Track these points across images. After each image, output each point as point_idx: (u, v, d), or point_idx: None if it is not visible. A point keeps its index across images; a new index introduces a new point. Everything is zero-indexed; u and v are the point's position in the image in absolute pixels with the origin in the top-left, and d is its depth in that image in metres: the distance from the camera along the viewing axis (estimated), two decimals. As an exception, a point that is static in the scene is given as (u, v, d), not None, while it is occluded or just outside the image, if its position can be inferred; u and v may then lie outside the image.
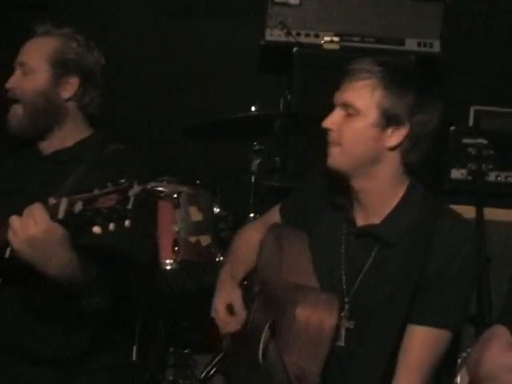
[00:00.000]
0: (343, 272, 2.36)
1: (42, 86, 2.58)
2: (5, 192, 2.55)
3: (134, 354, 2.96)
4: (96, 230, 1.90)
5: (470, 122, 4.11)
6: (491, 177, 3.78)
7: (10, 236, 2.04)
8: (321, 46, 4.28)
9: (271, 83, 4.60)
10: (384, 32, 4.30)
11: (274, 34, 4.29)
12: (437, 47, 4.31)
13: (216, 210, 3.68)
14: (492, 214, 3.62)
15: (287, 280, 2.36)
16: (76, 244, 2.12)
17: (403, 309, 2.20)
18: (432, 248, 2.20)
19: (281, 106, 4.33)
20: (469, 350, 2.60)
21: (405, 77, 2.25)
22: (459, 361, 2.72)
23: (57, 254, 2.07)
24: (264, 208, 2.89)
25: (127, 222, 1.87)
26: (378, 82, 2.22)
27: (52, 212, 2.00)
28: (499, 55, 4.56)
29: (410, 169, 2.32)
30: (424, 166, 2.31)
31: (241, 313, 2.52)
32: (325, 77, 4.06)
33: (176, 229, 3.51)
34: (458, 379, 2.68)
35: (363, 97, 2.23)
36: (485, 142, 3.70)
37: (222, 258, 3.52)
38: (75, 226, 1.98)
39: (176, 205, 3.47)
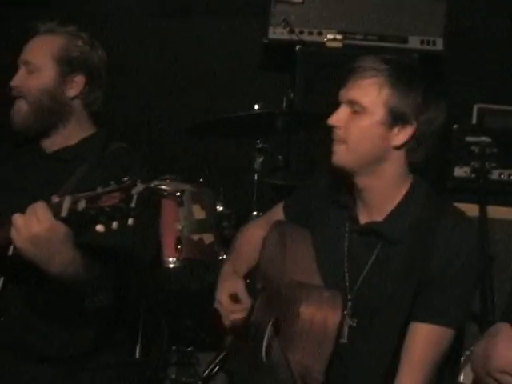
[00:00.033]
0: (346, 269, 2.36)
1: (47, 85, 2.58)
2: (8, 190, 2.55)
3: (137, 352, 2.95)
4: (99, 228, 1.90)
5: (474, 120, 4.10)
6: (494, 175, 3.77)
7: (13, 234, 2.04)
8: (324, 43, 4.28)
9: (274, 81, 4.60)
10: (387, 30, 4.30)
11: (276, 32, 4.29)
12: (440, 45, 4.30)
13: (219, 208, 3.68)
14: (495, 212, 3.62)
15: (290, 278, 2.36)
16: (79, 242, 2.12)
17: (406, 306, 2.21)
18: (435, 246, 2.20)
19: (284, 104, 4.32)
20: (472, 348, 2.60)
21: (412, 75, 2.25)
22: (462, 359, 2.72)
23: (60, 252, 2.07)
24: (267, 206, 2.89)
25: (130, 221, 1.87)
26: (385, 80, 2.22)
27: (55, 210, 2.00)
28: (502, 53, 4.55)
29: (414, 167, 2.31)
30: (427, 163, 2.31)
31: (246, 300, 2.51)
32: (328, 75, 4.06)
33: (179, 227, 3.51)
34: (462, 377, 2.68)
35: (370, 94, 2.22)
36: (488, 140, 3.69)
37: (224, 256, 3.52)
38: (78, 224, 1.98)
39: (179, 203, 3.47)
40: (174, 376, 3.84)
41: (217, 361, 3.56)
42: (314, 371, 2.19)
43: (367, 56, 2.28)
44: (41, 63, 2.59)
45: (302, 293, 2.25)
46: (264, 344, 2.37)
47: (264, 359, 2.36)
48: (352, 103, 2.25)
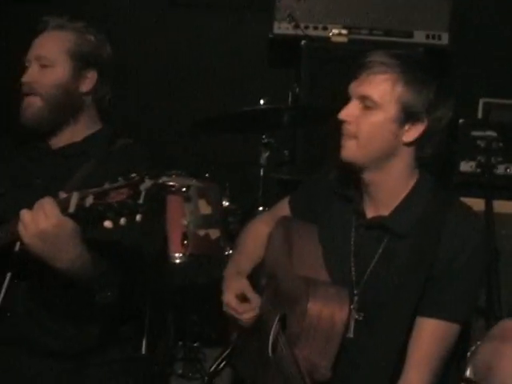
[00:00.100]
0: (353, 264, 2.36)
1: (62, 80, 2.57)
2: (15, 186, 2.54)
3: (144, 348, 2.96)
4: (107, 224, 1.90)
5: (479, 115, 4.10)
6: (500, 169, 3.77)
7: (21, 230, 2.03)
8: (329, 38, 4.29)
9: (279, 76, 4.61)
10: (392, 24, 4.30)
11: (282, 27, 4.30)
12: (445, 39, 4.31)
13: (225, 203, 3.69)
14: (501, 206, 3.62)
15: (297, 273, 2.36)
16: (86, 238, 2.11)
17: (412, 300, 2.20)
18: (441, 240, 2.20)
19: (289, 99, 4.33)
20: (478, 342, 2.60)
21: (425, 73, 2.24)
22: (469, 353, 2.71)
23: (67, 248, 2.07)
24: (273, 201, 2.89)
25: (138, 217, 1.87)
26: (398, 76, 2.21)
27: (63, 206, 1.99)
28: (508, 47, 4.55)
29: (420, 162, 2.31)
30: (433, 158, 2.31)
31: (255, 299, 2.49)
32: (333, 69, 4.07)
33: (185, 222, 3.51)
34: (468, 372, 2.68)
35: (383, 90, 2.21)
36: (494, 134, 3.70)
37: (231, 252, 3.52)
38: (86, 220, 1.97)
39: (185, 198, 3.48)
40: (180, 371, 3.85)
41: (223, 356, 3.56)
42: (321, 367, 2.19)
43: (378, 51, 2.27)
44: (55, 58, 2.57)
45: (308, 289, 2.24)
46: (270, 340, 2.37)
47: (270, 355, 2.36)
48: (363, 98, 2.24)
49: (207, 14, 4.72)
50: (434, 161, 2.32)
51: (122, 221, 1.88)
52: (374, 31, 4.30)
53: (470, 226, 2.24)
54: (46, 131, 2.60)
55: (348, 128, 2.27)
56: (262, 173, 3.72)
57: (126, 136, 2.65)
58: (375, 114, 2.23)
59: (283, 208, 2.67)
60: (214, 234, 3.59)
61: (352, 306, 2.29)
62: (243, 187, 3.81)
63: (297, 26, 4.23)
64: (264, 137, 3.73)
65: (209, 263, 3.61)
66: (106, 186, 1.90)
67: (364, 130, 2.24)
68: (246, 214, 3.60)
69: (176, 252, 3.48)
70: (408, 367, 2.22)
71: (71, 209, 1.97)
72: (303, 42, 4.21)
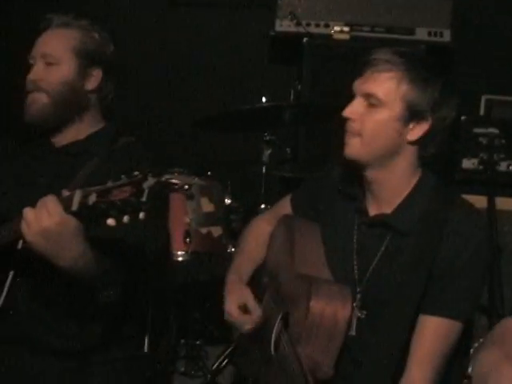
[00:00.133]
0: (355, 262, 2.36)
1: (68, 77, 2.56)
2: (18, 184, 2.54)
3: (146, 346, 2.95)
4: (110, 222, 1.89)
5: (481, 112, 4.10)
6: (503, 166, 3.77)
7: (24, 228, 2.03)
8: (331, 36, 4.28)
9: (281, 74, 4.61)
10: (394, 21, 4.30)
11: (283, 25, 4.30)
12: (447, 36, 4.30)
13: (227, 200, 3.69)
14: (503, 203, 3.62)
15: (299, 272, 2.36)
16: (89, 236, 2.11)
17: (415, 298, 2.20)
18: (443, 238, 2.20)
19: (291, 96, 4.33)
20: (481, 340, 2.60)
21: (430, 71, 2.23)
22: (471, 351, 2.71)
23: (70, 246, 2.06)
24: (275, 198, 2.89)
25: (141, 215, 1.86)
26: (403, 74, 2.21)
27: (66, 204, 1.99)
28: (510, 44, 4.55)
29: (423, 160, 2.31)
30: (435, 155, 2.31)
31: (256, 311, 2.48)
32: (335, 67, 4.07)
33: (187, 220, 3.52)
34: (471, 369, 2.68)
35: (388, 88, 2.21)
36: (496, 131, 3.69)
37: (233, 249, 3.53)
38: (89, 218, 1.97)
39: (188, 196, 3.48)
40: (182, 369, 3.85)
41: (225, 354, 3.57)
42: (324, 365, 2.19)
43: (382, 48, 2.27)
44: (61, 55, 2.57)
45: (311, 287, 2.24)
46: (273, 338, 2.37)
47: (273, 353, 2.36)
48: (368, 96, 2.24)
49: (207, 13, 4.72)
50: (436, 158, 2.32)
51: (125, 219, 1.88)
52: (375, 28, 4.29)
53: (473, 224, 2.23)
54: (51, 128, 2.59)
55: (352, 125, 2.26)
56: (264, 170, 3.72)
57: (127, 135, 2.65)
58: (380, 112, 2.22)
59: (285, 206, 2.67)
60: (217, 231, 3.59)
61: (354, 304, 2.29)
62: (245, 185, 3.81)
63: (299, 24, 4.22)
64: (266, 134, 3.74)
65: (211, 261, 3.61)
66: (109, 184, 1.90)
67: (368, 127, 2.23)
68: (249, 212, 3.60)
69: (178, 250, 3.48)
70: (410, 365, 2.21)
71: (74, 207, 1.97)
72: (305, 40, 4.21)
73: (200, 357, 3.88)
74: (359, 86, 2.27)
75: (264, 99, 3.61)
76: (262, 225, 2.70)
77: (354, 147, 2.26)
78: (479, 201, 3.34)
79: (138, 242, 2.32)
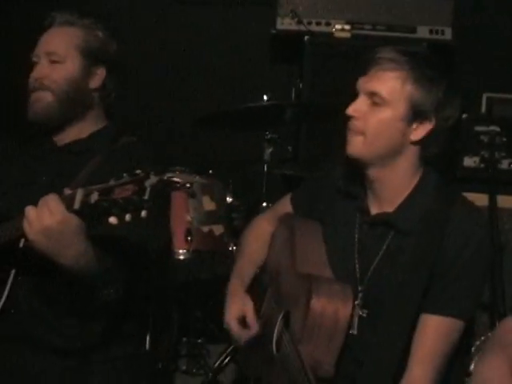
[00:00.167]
0: (357, 261, 2.36)
1: (73, 75, 2.56)
2: (20, 182, 2.54)
3: (147, 344, 2.96)
4: (112, 220, 1.90)
5: (483, 110, 4.10)
6: (504, 164, 3.76)
7: (25, 226, 2.03)
8: (332, 34, 4.28)
9: (282, 72, 4.61)
10: (395, 20, 4.29)
11: (284, 23, 4.29)
12: (448, 34, 4.30)
13: (229, 199, 3.70)
14: (505, 201, 3.61)
15: (300, 271, 2.36)
16: (91, 235, 2.11)
17: (416, 297, 2.20)
18: (445, 236, 2.20)
19: (292, 95, 4.33)
20: (482, 338, 2.60)
21: (434, 71, 2.23)
22: (473, 349, 2.72)
23: (72, 244, 2.06)
24: (276, 197, 2.89)
25: (143, 213, 1.86)
26: (408, 74, 2.20)
27: (68, 202, 1.99)
28: (511, 42, 4.54)
29: (425, 161, 2.31)
30: (436, 154, 2.31)
31: (254, 326, 2.49)
32: (336, 65, 4.07)
33: (189, 218, 3.52)
34: (472, 367, 2.68)
35: (392, 88, 2.21)
36: (497, 129, 3.69)
37: (234, 248, 3.53)
38: (91, 216, 1.97)
39: (189, 195, 3.48)
40: (184, 368, 3.86)
41: (227, 352, 3.58)
42: (325, 364, 2.19)
43: (386, 47, 2.27)
44: (65, 54, 2.57)
45: (312, 286, 2.24)
46: (274, 337, 2.37)
47: (274, 352, 2.36)
48: (372, 95, 2.23)
49: (208, 11, 4.72)
50: (438, 156, 2.32)
51: (127, 217, 1.88)
52: (377, 26, 4.29)
53: (474, 222, 2.24)
54: (55, 126, 2.59)
55: (355, 124, 2.26)
56: (265, 169, 3.73)
57: (128, 134, 2.65)
58: (383, 111, 2.22)
59: (285, 205, 2.67)
60: (218, 230, 3.59)
61: (356, 303, 2.30)
62: (247, 183, 3.81)
63: (300, 22, 4.22)
64: (267, 133, 3.74)
65: (212, 259, 3.62)
66: (111, 182, 1.90)
67: (371, 126, 2.23)
68: (250, 210, 3.61)
69: (180, 248, 3.49)
70: (412, 364, 2.21)
71: (76, 205, 1.97)
72: (306, 38, 4.21)
73: (201, 355, 3.89)
74: (363, 84, 2.27)
75: (265, 98, 3.61)
76: (262, 224, 2.71)
77: (357, 145, 2.26)
78: (480, 199, 3.34)
79: (140, 240, 2.31)
